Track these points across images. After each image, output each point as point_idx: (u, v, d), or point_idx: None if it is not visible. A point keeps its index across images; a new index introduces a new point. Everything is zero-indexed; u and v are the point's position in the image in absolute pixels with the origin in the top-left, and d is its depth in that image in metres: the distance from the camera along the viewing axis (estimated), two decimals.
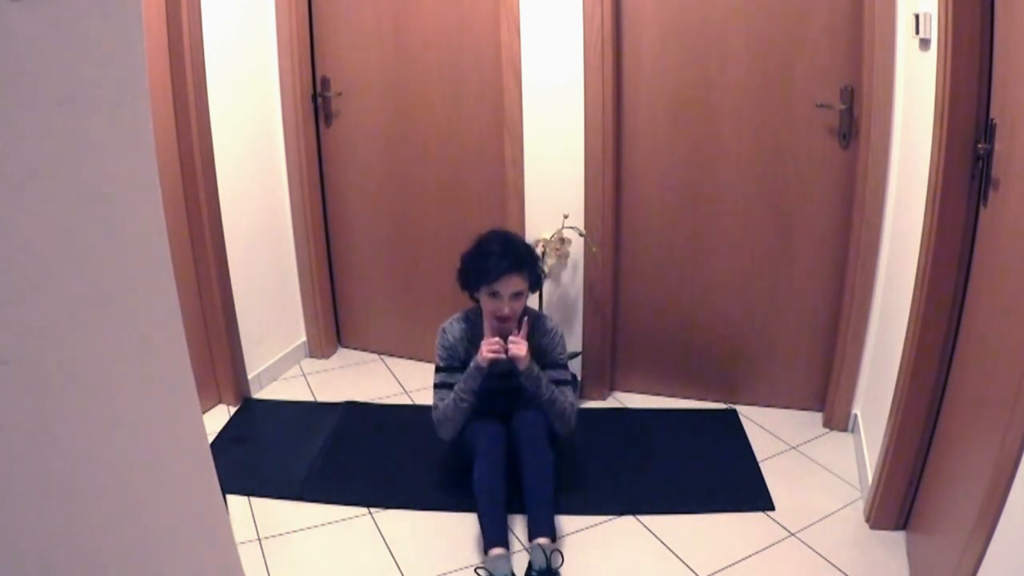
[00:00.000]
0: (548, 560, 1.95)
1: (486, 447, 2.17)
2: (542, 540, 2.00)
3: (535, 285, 2.30)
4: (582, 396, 2.92)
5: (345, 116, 3.08)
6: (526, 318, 2.27)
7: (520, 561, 2.04)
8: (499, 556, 1.96)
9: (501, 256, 2.16)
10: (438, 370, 2.31)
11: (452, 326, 2.33)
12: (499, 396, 2.33)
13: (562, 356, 2.34)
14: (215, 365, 2.84)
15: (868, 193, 2.39)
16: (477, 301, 2.29)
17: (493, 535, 2.01)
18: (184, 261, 2.66)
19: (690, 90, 2.59)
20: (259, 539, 2.16)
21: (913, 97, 2.12)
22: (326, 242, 3.27)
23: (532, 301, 2.58)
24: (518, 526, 2.18)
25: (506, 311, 2.18)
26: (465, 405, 2.22)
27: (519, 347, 2.17)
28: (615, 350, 2.95)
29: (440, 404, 2.26)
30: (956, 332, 1.86)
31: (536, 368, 2.22)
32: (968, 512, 1.48)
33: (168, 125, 2.55)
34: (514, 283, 2.17)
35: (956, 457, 1.75)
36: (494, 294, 2.18)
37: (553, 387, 2.25)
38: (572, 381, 2.36)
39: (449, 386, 2.26)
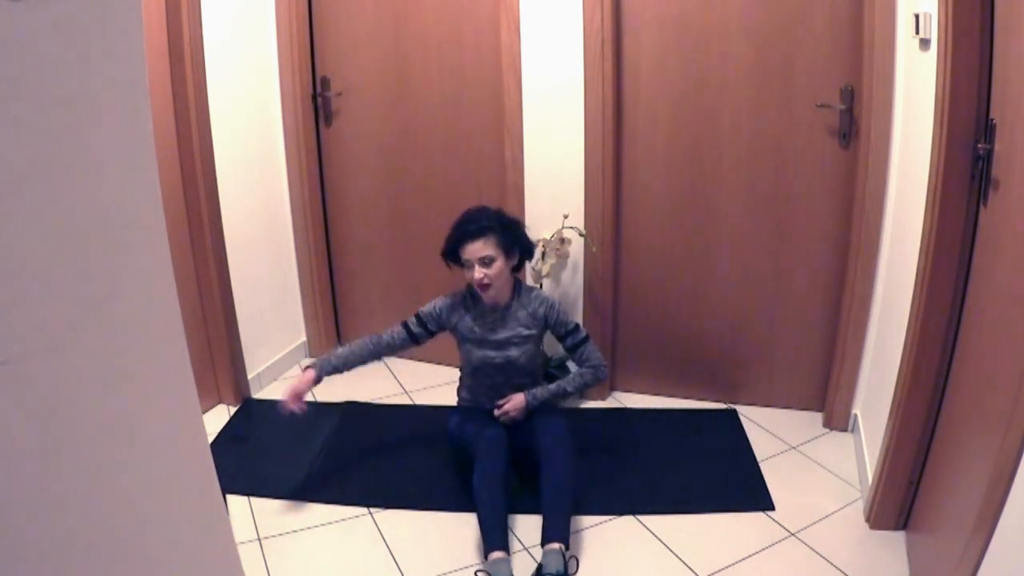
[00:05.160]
0: (565, 565, 1.93)
1: (486, 456, 2.16)
2: (557, 545, 1.98)
3: (515, 250, 2.28)
4: (582, 397, 2.92)
5: (345, 116, 3.08)
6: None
7: (520, 562, 2.04)
8: (500, 560, 1.96)
9: (466, 223, 2.24)
10: (416, 314, 2.38)
11: (451, 295, 2.39)
12: (499, 391, 2.35)
13: (570, 320, 2.37)
14: (215, 365, 2.85)
15: (868, 193, 2.39)
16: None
17: (494, 540, 2.01)
18: (184, 261, 2.66)
19: (690, 90, 2.59)
20: (259, 539, 2.16)
21: (913, 97, 2.12)
22: (326, 242, 3.27)
23: None
24: (519, 526, 2.18)
25: (477, 275, 2.21)
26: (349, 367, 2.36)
27: (513, 410, 2.30)
28: (615, 350, 2.95)
29: (384, 333, 2.36)
30: (956, 332, 1.86)
31: (537, 394, 2.31)
32: (968, 512, 1.48)
33: (168, 125, 2.55)
34: (478, 248, 2.21)
35: (956, 457, 1.75)
36: (465, 263, 2.24)
37: (564, 385, 2.34)
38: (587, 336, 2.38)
39: (406, 327, 2.35)
